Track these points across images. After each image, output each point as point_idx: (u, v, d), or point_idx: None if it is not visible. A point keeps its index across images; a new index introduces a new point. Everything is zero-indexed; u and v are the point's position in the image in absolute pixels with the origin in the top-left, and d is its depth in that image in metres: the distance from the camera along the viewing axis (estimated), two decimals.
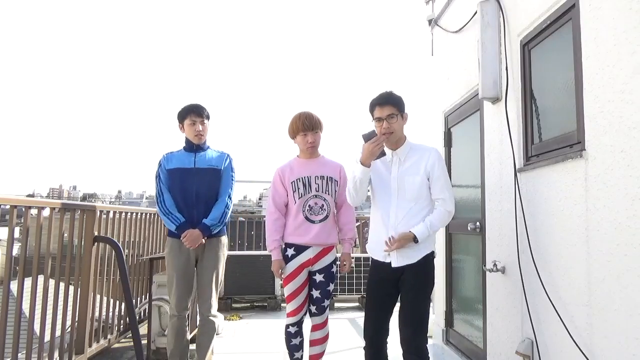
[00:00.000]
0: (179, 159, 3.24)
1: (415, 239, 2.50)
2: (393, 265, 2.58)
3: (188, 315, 3.29)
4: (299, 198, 2.94)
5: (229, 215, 3.28)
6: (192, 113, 3.21)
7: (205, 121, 3.26)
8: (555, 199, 2.29)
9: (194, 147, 3.25)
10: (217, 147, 3.39)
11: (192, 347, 3.40)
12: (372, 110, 2.65)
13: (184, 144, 3.29)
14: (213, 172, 3.23)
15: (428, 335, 4.76)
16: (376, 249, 2.67)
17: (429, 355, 2.56)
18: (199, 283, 3.23)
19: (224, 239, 3.31)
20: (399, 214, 2.59)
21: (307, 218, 2.93)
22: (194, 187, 3.17)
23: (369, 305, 2.71)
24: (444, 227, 2.64)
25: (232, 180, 3.32)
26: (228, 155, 3.35)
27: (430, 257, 2.61)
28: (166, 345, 3.31)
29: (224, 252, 3.31)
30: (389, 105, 2.59)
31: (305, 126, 2.93)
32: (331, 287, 3.02)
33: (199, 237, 3.09)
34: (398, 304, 2.68)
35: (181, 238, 3.08)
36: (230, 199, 3.29)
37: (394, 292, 2.65)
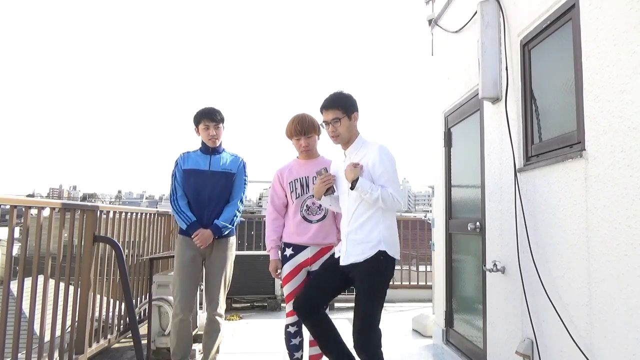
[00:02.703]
0: (194, 160, 3.32)
1: (355, 181, 2.47)
2: (341, 263, 2.60)
3: (192, 315, 3.32)
4: (297, 198, 2.96)
5: (239, 218, 3.34)
6: (206, 118, 3.28)
7: (220, 125, 3.32)
8: (555, 199, 2.29)
9: (209, 149, 3.33)
10: (232, 150, 3.46)
11: (193, 346, 3.41)
12: (321, 112, 2.68)
13: (200, 145, 3.37)
14: (226, 176, 3.31)
15: (427, 335, 4.78)
16: (340, 245, 2.73)
17: (382, 355, 2.49)
18: (207, 282, 3.28)
19: (233, 239, 3.38)
20: (349, 213, 2.61)
21: (304, 218, 2.95)
22: (206, 189, 3.25)
23: (314, 276, 2.81)
24: (390, 208, 2.57)
25: (245, 183, 3.42)
26: (242, 159, 3.43)
27: (378, 257, 2.51)
28: (169, 344, 3.34)
29: (232, 252, 3.36)
30: (332, 109, 2.60)
31: (298, 131, 2.94)
32: None
33: (210, 236, 3.18)
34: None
35: (192, 236, 3.16)
36: (242, 202, 3.39)
37: (338, 281, 2.66)
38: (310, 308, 2.68)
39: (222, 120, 3.34)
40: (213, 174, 3.27)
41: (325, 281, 2.71)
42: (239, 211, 3.33)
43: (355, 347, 2.49)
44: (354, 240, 2.57)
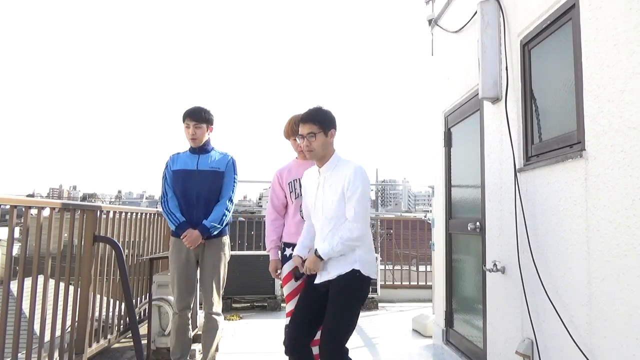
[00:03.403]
0: (183, 160, 3.32)
1: (317, 254, 2.49)
2: (316, 281, 2.56)
3: (190, 314, 3.36)
4: (296, 198, 2.98)
5: (229, 217, 3.32)
6: (188, 117, 3.29)
7: (203, 125, 3.30)
8: (555, 199, 2.29)
9: (197, 149, 3.33)
10: (222, 149, 3.45)
11: (194, 346, 3.42)
12: (298, 126, 2.65)
13: (190, 145, 3.37)
14: (214, 174, 3.30)
15: (427, 335, 4.77)
16: None
17: None
18: (201, 282, 3.32)
19: (226, 239, 3.37)
20: (322, 234, 2.57)
21: (303, 218, 2.95)
22: (194, 188, 3.25)
23: (296, 308, 2.67)
24: (355, 241, 2.52)
25: (234, 182, 3.39)
26: (231, 157, 3.41)
27: (354, 274, 2.48)
28: (169, 344, 3.39)
29: (226, 252, 3.37)
30: (309, 123, 2.57)
31: (295, 131, 2.95)
32: None
33: (198, 237, 3.17)
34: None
35: (181, 238, 3.17)
36: (231, 201, 3.35)
37: (321, 305, 2.55)
38: (304, 344, 2.59)
39: (206, 120, 3.31)
40: (200, 172, 3.27)
41: (312, 312, 2.59)
42: (228, 210, 3.30)
43: (320, 352, 2.44)
44: (330, 259, 2.52)
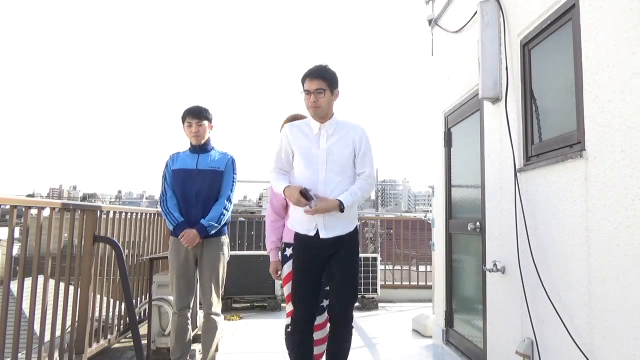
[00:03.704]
0: (183, 160, 3.33)
1: (341, 206, 2.50)
2: (322, 236, 2.53)
3: (190, 314, 3.36)
4: None
5: (227, 216, 3.31)
6: (189, 115, 3.30)
7: (204, 122, 3.32)
8: (555, 199, 2.29)
9: (197, 148, 3.33)
10: (221, 148, 3.45)
11: (194, 346, 3.41)
12: (303, 81, 2.61)
13: (189, 145, 3.38)
14: (214, 174, 3.30)
15: (427, 335, 4.79)
16: (302, 221, 2.59)
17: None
18: (200, 282, 3.31)
19: (225, 239, 3.36)
20: (328, 187, 2.56)
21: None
22: (194, 188, 3.25)
23: (298, 286, 2.61)
24: (369, 196, 2.81)
25: (233, 181, 3.38)
26: (231, 156, 3.41)
27: (356, 231, 2.68)
28: (169, 344, 3.39)
29: (225, 252, 3.36)
30: (319, 79, 2.56)
31: None
32: None
33: (195, 237, 3.16)
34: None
35: (179, 237, 3.17)
36: (230, 200, 3.34)
37: (321, 270, 2.60)
38: (312, 322, 2.63)
39: (206, 118, 3.33)
40: (200, 172, 3.27)
41: (316, 284, 2.62)
42: (226, 210, 3.30)
43: (338, 317, 2.55)
44: (336, 214, 2.54)
